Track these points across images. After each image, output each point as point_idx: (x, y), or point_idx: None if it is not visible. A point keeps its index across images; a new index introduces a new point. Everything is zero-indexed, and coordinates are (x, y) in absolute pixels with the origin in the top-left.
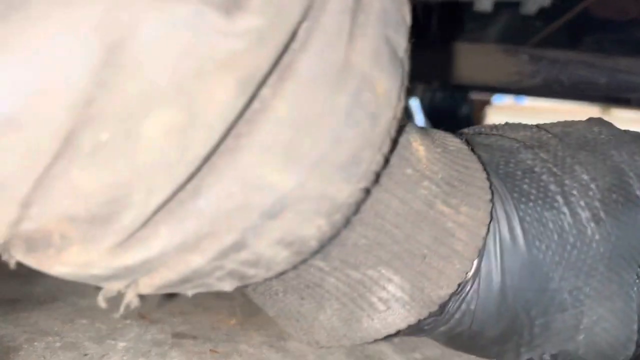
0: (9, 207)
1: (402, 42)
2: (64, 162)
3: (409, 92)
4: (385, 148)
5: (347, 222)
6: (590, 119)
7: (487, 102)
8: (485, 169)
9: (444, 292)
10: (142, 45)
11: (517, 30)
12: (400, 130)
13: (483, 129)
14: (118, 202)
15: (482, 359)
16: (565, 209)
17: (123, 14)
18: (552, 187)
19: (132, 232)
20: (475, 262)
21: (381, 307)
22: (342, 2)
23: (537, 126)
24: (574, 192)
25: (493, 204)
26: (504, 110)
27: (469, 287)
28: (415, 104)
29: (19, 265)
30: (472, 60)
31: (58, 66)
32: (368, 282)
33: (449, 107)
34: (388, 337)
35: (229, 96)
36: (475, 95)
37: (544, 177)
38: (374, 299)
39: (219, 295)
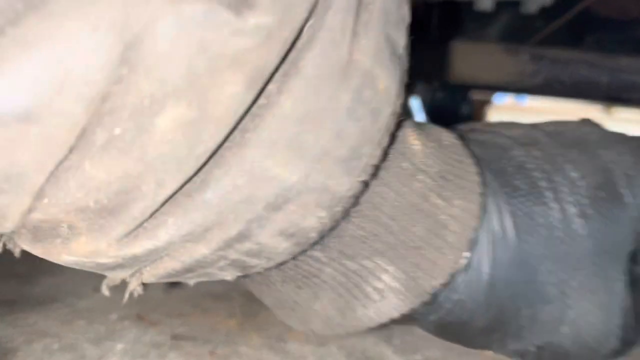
0: (23, 197)
1: (401, 40)
2: (77, 155)
3: (409, 91)
4: (385, 143)
5: (345, 214)
6: (581, 120)
7: (487, 102)
8: (478, 164)
9: (437, 282)
10: (157, 43)
11: (518, 29)
12: (398, 125)
13: (478, 126)
14: (128, 194)
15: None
16: (554, 205)
17: (140, 12)
18: (543, 183)
19: (141, 223)
20: (467, 254)
21: (376, 296)
22: (346, 0)
23: (531, 125)
24: (564, 188)
25: (485, 198)
26: (505, 110)
27: (460, 278)
28: (416, 103)
29: (18, 265)
30: (472, 59)
31: (77, 63)
32: (364, 272)
33: (449, 106)
34: (388, 338)
35: (238, 92)
36: (475, 95)
37: (535, 173)
38: (369, 289)
39: (218, 296)
